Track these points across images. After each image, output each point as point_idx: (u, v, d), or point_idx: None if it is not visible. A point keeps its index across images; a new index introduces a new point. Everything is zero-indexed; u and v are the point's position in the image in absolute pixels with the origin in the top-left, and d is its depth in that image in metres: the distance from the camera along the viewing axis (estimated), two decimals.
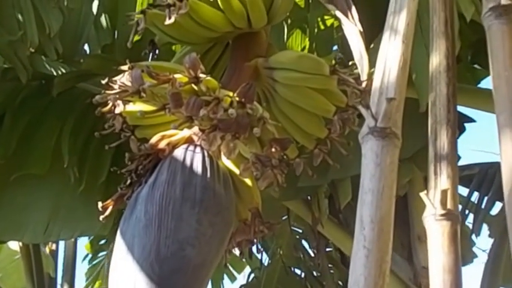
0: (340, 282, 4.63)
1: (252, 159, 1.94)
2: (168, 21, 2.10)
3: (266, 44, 2.35)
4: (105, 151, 2.73)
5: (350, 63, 2.29)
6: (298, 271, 4.90)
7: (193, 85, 1.94)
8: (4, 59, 3.13)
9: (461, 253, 1.46)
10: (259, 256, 4.73)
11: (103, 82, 2.10)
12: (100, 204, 2.01)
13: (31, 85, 3.16)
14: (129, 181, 2.01)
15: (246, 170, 1.95)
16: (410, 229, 3.68)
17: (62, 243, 5.75)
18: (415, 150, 3.11)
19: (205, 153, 1.95)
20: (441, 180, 1.50)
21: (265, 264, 4.91)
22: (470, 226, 4.06)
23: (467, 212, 4.02)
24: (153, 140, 2.01)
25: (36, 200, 3.09)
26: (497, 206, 4.06)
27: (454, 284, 1.39)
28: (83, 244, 5.95)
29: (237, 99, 1.91)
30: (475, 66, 3.88)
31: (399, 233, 3.57)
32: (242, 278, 5.73)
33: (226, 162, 2.07)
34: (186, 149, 1.96)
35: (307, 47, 3.75)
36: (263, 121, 1.92)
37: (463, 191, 4.08)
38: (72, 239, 5.43)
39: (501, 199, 3.87)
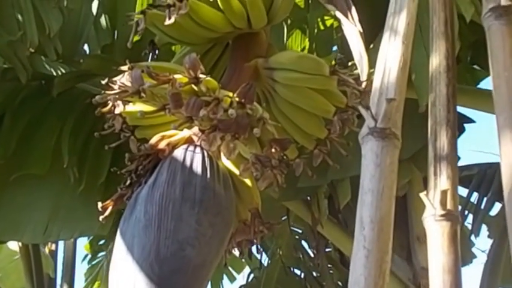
0: (339, 283, 4.63)
1: (252, 159, 1.94)
2: (168, 22, 2.10)
3: (266, 45, 2.35)
4: (105, 151, 2.73)
5: (350, 63, 2.30)
6: (297, 271, 4.90)
7: (193, 85, 1.94)
8: (4, 59, 3.13)
9: (460, 254, 1.46)
10: (258, 256, 4.74)
11: (103, 82, 2.10)
12: (100, 204, 2.01)
13: (31, 85, 3.16)
14: (128, 181, 2.01)
15: (246, 170, 1.95)
16: (410, 230, 3.68)
17: (61, 244, 5.76)
18: (415, 151, 3.11)
19: (205, 154, 1.95)
20: (441, 181, 1.50)
21: (265, 264, 4.91)
22: (470, 227, 4.06)
23: (466, 212, 4.02)
24: (153, 140, 2.01)
25: (35, 200, 3.09)
26: (497, 207, 4.07)
27: (454, 285, 1.39)
28: (83, 244, 5.96)
29: (237, 99, 1.91)
30: (475, 67, 3.88)
31: (398, 234, 3.56)
32: (241, 278, 5.74)
33: (226, 162, 2.07)
34: (186, 149, 1.96)
35: (307, 47, 3.75)
36: (263, 121, 1.92)
37: (462, 191, 4.08)
38: (72, 239, 5.44)
39: (500, 200, 3.87)
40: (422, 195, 1.49)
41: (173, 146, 2.00)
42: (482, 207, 4.00)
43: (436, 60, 1.65)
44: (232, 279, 5.90)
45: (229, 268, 5.75)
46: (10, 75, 3.09)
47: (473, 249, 4.36)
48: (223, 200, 1.93)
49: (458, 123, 2.33)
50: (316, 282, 4.73)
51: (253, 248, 2.22)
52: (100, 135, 2.21)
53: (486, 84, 3.88)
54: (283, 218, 4.18)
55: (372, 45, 2.59)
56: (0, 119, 3.07)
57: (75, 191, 3.00)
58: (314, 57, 2.39)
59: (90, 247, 5.91)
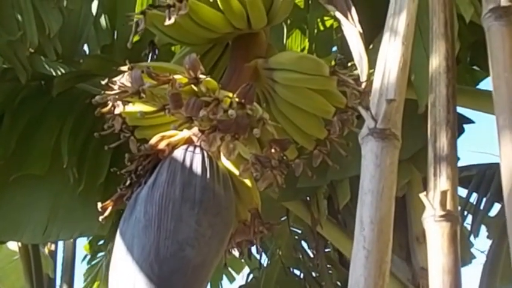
0: (338, 283, 4.64)
1: (252, 160, 1.94)
2: (167, 22, 2.10)
3: (266, 45, 2.35)
4: (105, 151, 2.73)
5: (349, 64, 2.30)
6: (297, 272, 4.90)
7: (193, 86, 1.94)
8: (3, 59, 3.13)
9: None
10: (258, 256, 4.74)
11: (103, 82, 2.10)
12: (99, 204, 2.01)
13: (30, 85, 3.16)
14: (128, 182, 2.01)
15: (246, 170, 1.95)
16: (409, 230, 3.69)
17: (61, 244, 5.76)
18: (415, 151, 3.12)
19: (205, 154, 1.95)
20: (441, 181, 1.50)
21: (264, 264, 4.91)
22: (469, 227, 4.06)
23: (465, 213, 4.02)
24: (153, 140, 2.01)
25: (35, 200, 3.09)
26: (496, 207, 4.07)
27: (454, 285, 1.39)
28: (82, 245, 5.96)
29: (237, 100, 1.91)
30: (474, 67, 3.89)
31: (397, 234, 3.57)
32: (241, 278, 5.73)
33: (226, 163, 2.07)
34: (186, 149, 1.96)
35: (306, 47, 3.75)
36: (263, 122, 1.92)
37: (462, 192, 4.09)
38: (71, 240, 5.44)
39: (499, 200, 3.88)
40: (422, 195, 1.49)
41: (173, 147, 2.00)
42: (481, 207, 4.00)
43: (436, 61, 1.65)
44: (231, 279, 5.90)
45: (229, 268, 5.75)
46: (10, 75, 3.09)
47: (473, 250, 4.37)
48: (223, 200, 1.93)
49: (458, 124, 2.33)
50: (315, 282, 4.73)
51: (253, 248, 2.22)
52: (100, 135, 2.21)
53: (486, 84, 3.89)
54: (282, 219, 4.18)
55: (371, 46, 2.60)
56: None
57: (74, 191, 3.00)
58: (314, 58, 2.39)
59: (90, 247, 5.91)
